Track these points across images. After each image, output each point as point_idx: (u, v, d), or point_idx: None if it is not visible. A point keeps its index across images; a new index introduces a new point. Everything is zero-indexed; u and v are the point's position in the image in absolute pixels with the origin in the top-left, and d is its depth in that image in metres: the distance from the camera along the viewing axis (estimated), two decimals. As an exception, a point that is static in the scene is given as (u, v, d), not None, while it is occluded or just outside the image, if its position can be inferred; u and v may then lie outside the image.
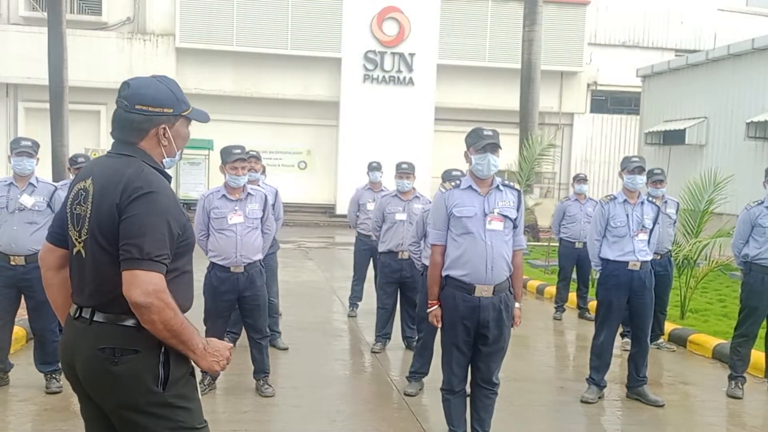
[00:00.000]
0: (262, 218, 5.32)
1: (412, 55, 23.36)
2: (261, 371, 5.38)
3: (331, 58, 23.08)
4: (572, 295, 9.06)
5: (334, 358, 6.84)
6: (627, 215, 5.28)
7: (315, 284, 10.63)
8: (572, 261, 8.72)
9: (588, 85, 25.43)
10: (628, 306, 5.38)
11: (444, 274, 4.10)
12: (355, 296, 8.57)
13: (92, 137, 21.79)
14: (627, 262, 5.26)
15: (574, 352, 7.71)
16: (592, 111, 25.83)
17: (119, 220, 2.21)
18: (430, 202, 6.88)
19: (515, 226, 4.12)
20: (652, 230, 5.36)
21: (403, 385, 5.67)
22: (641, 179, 5.31)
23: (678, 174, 12.93)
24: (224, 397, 5.26)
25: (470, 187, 4.14)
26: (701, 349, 7.03)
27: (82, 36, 21.44)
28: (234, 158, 5.13)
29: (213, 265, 5.26)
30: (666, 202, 6.94)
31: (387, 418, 5.01)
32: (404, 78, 23.48)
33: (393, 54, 23.36)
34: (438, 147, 22.60)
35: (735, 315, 8.29)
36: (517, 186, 4.29)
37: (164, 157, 2.41)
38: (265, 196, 5.38)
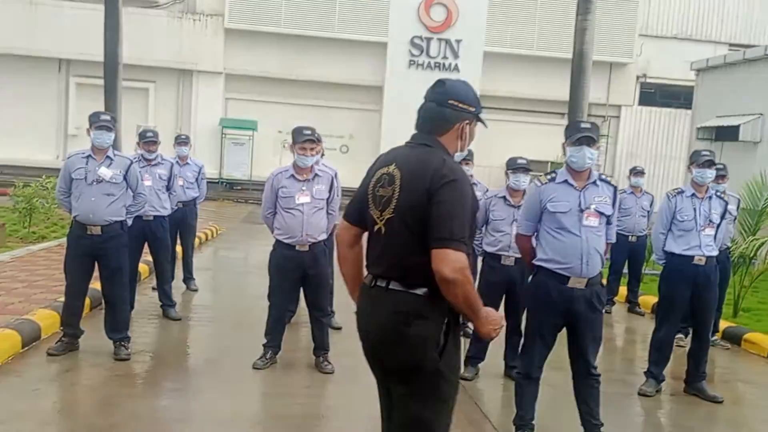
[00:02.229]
0: (328, 199, 5.40)
1: (458, 41, 23.26)
2: (321, 348, 5.49)
3: (377, 42, 23.10)
4: (622, 289, 9.01)
5: (387, 339, 6.93)
6: (695, 209, 5.24)
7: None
8: (624, 255, 8.65)
9: (637, 77, 25.06)
10: (691, 301, 5.34)
11: (536, 264, 4.15)
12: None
13: (141, 114, 22.14)
14: (692, 257, 5.22)
15: (624, 346, 7.68)
16: (640, 103, 25.45)
17: (429, 203, 2.45)
18: (487, 189, 6.92)
19: (609, 222, 4.15)
20: (719, 225, 5.32)
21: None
22: (711, 173, 5.26)
23: (730, 171, 12.71)
24: (284, 372, 5.37)
25: (566, 181, 4.13)
26: (757, 348, 6.95)
27: (134, 14, 21.73)
28: (303, 139, 5.21)
29: (279, 243, 5.36)
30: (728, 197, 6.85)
31: (446, 401, 5.07)
32: (450, 64, 23.39)
33: (439, 40, 23.29)
34: (482, 135, 22.42)
35: (790, 315, 8.24)
36: (613, 181, 4.29)
37: (456, 152, 2.65)
38: (332, 177, 5.45)
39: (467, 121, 2.65)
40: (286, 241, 5.30)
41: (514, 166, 5.49)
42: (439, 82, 2.67)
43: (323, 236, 5.42)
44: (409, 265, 2.52)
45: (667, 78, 25.29)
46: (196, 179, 8.12)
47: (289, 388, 5.04)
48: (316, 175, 5.35)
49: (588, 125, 4.17)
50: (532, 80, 23.55)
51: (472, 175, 6.92)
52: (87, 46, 19.94)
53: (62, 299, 6.28)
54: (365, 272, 2.74)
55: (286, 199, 5.27)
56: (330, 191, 5.41)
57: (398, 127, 23.59)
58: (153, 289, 7.77)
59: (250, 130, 23.02)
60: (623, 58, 24.17)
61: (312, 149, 5.26)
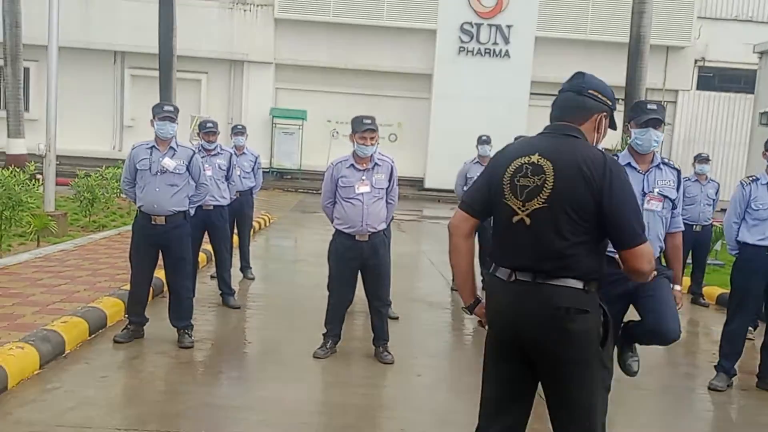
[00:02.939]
0: (387, 188, 5.36)
1: (509, 26, 22.93)
2: (381, 338, 5.47)
3: (426, 29, 22.94)
4: (686, 280, 8.76)
5: (445, 329, 6.90)
6: (771, 198, 5.04)
7: (412, 256, 10.69)
8: (689, 244, 8.36)
9: (695, 61, 24.33)
10: (765, 293, 5.15)
11: None
12: (459, 270, 8.55)
13: (194, 105, 22.47)
14: (767, 247, 5.02)
15: (688, 338, 7.45)
16: (698, 88, 24.72)
17: (598, 198, 2.47)
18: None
19: (674, 207, 4.02)
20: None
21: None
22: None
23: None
24: (344, 361, 5.37)
25: (629, 164, 4.04)
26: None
27: (186, 5, 21.98)
28: (364, 128, 5.18)
29: (338, 233, 5.35)
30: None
31: (510, 392, 5.01)
32: (500, 51, 23.10)
33: (489, 26, 22.99)
34: (533, 122, 22.13)
35: None
36: (677, 165, 4.15)
37: (593, 144, 2.65)
38: (391, 166, 5.40)
39: (604, 113, 2.66)
40: (346, 230, 5.28)
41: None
42: (578, 74, 2.70)
43: (383, 226, 5.39)
44: (563, 256, 2.50)
45: (726, 61, 24.47)
46: (253, 169, 8.18)
47: (351, 378, 5.04)
48: (376, 164, 5.31)
49: (654, 106, 4.02)
50: (585, 65, 22.48)
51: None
52: (141, 38, 20.35)
53: (126, 287, 6.41)
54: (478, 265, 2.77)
55: (346, 189, 5.25)
56: (390, 180, 5.37)
57: (447, 115, 23.62)
58: (212, 277, 7.88)
59: (300, 119, 23.14)
60: (681, 42, 23.51)
61: (372, 138, 5.22)
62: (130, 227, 10.43)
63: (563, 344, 2.50)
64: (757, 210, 5.06)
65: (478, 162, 8.41)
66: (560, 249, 2.50)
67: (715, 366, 5.36)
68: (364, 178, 5.25)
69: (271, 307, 7.08)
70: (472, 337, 6.65)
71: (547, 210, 2.51)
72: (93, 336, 5.47)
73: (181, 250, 5.44)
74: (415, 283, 8.78)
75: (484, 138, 8.45)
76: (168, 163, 5.29)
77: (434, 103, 23.04)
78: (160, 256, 5.51)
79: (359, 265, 5.33)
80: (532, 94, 22.98)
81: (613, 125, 2.70)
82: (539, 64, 22.80)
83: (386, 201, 5.39)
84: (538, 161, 2.57)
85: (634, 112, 4.04)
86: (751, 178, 5.20)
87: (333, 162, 5.45)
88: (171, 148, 5.35)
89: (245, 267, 8.30)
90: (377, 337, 5.49)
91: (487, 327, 2.74)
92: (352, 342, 5.80)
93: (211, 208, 6.65)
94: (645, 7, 15.73)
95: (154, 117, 5.32)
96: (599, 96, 2.64)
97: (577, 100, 2.64)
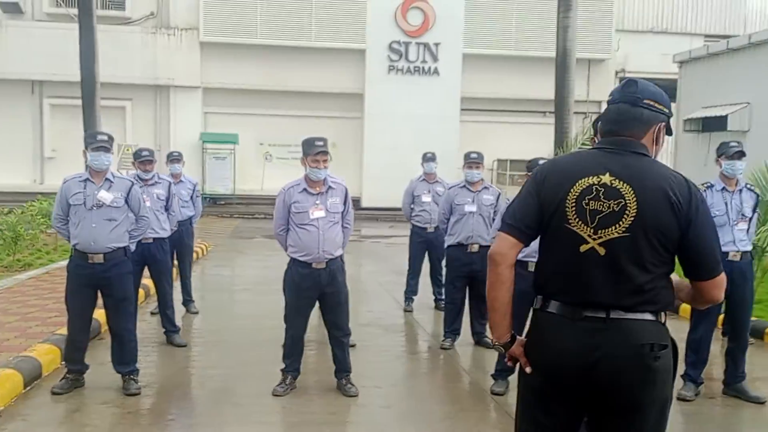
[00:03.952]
0: (342, 212, 5.12)
1: (437, 44, 23.10)
2: (343, 370, 5.20)
3: (355, 49, 22.86)
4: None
5: (404, 355, 6.67)
6: (726, 203, 5.06)
7: (358, 278, 10.43)
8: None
9: (616, 73, 25.05)
10: (727, 299, 5.14)
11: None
12: (411, 290, 8.37)
13: (119, 133, 21.52)
14: (727, 253, 5.01)
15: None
16: (620, 99, 25.46)
17: (684, 226, 2.28)
18: (500, 193, 6.69)
19: None
20: (751, 219, 5.13)
21: (485, 383, 5.47)
22: (741, 165, 5.08)
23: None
24: (306, 398, 5.07)
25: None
26: (783, 342, 6.79)
27: (106, 31, 21.23)
28: (316, 150, 4.94)
29: (294, 261, 5.07)
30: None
31: (485, 419, 4.83)
32: (429, 68, 23.22)
33: (418, 44, 23.10)
34: (465, 138, 22.32)
35: (805, 306, 8.09)
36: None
37: (654, 158, 2.42)
38: (346, 189, 5.17)
39: (663, 123, 2.43)
40: (301, 258, 5.01)
41: (535, 167, 5.23)
42: (631, 82, 2.44)
43: (340, 251, 5.14)
44: (645, 291, 2.27)
45: (645, 72, 25.22)
46: (191, 197, 7.81)
47: (316, 416, 4.74)
48: (330, 187, 5.07)
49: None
50: (512, 80, 23.43)
51: (483, 179, 6.73)
52: (60, 66, 19.50)
53: (61, 331, 5.96)
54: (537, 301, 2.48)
55: (299, 215, 4.98)
56: (345, 204, 5.13)
57: (381, 134, 23.57)
58: (152, 314, 7.44)
59: (231, 143, 22.62)
60: (602, 54, 24.17)
61: (324, 161, 4.99)
62: (58, 265, 9.92)
63: (647, 385, 2.27)
64: (714, 216, 5.05)
65: (424, 179, 8.29)
66: (643, 283, 2.27)
67: (681, 376, 5.31)
68: (318, 202, 5.00)
69: (219, 342, 6.69)
70: (433, 362, 6.45)
71: (627, 239, 2.27)
72: (28, 388, 4.99)
73: (123, 290, 5.04)
74: (365, 306, 8.52)
75: (429, 155, 8.34)
76: (104, 196, 4.90)
77: (367, 122, 22.93)
78: (99, 297, 5.09)
79: (317, 294, 5.06)
80: (462, 110, 23.18)
81: (669, 131, 2.46)
82: (468, 81, 23.03)
83: (342, 225, 5.15)
84: (612, 183, 2.30)
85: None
86: (706, 185, 5.21)
87: (284, 187, 5.18)
88: (107, 179, 4.96)
89: (188, 301, 7.88)
90: (339, 369, 5.21)
91: (528, 369, 2.43)
92: (309, 375, 5.50)
93: (151, 240, 6.25)
94: (569, 22, 16.03)
95: (86, 147, 4.93)
96: (656, 105, 2.40)
97: (634, 112, 2.39)
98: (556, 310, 2.37)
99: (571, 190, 2.34)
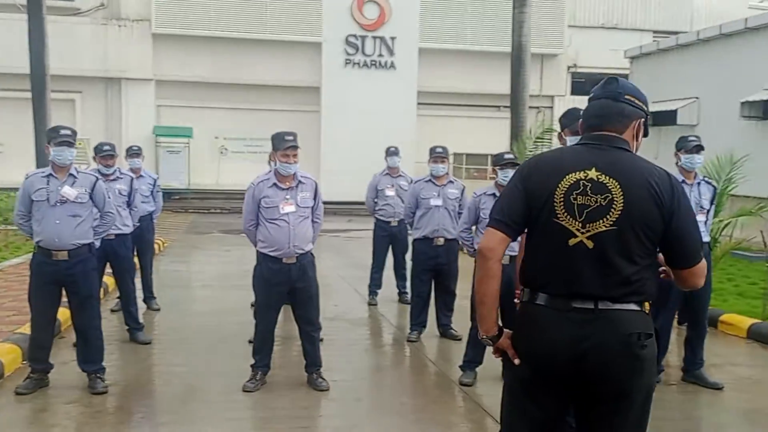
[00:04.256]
0: (313, 207, 5.12)
1: (393, 38, 23.13)
2: (314, 365, 5.20)
3: (311, 42, 22.73)
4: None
5: (371, 348, 6.71)
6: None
7: (320, 272, 10.29)
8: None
9: (568, 68, 25.52)
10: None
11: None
12: (375, 284, 8.41)
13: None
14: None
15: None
16: (572, 93, 25.92)
17: (668, 219, 2.35)
18: (464, 187, 6.77)
19: None
20: (709, 210, 5.31)
21: (453, 374, 5.55)
22: (699, 159, 5.25)
23: (669, 154, 13.03)
24: (278, 393, 5.05)
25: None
26: (734, 329, 7.04)
27: (55, 22, 20.61)
28: (287, 145, 4.91)
29: (264, 257, 5.04)
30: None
31: (456, 411, 4.90)
32: (386, 62, 23.25)
33: (374, 38, 23.10)
34: (421, 131, 22.44)
35: (752, 294, 8.41)
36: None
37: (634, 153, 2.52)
38: (316, 184, 5.17)
39: (642, 119, 2.51)
40: (272, 254, 4.99)
41: (501, 162, 5.32)
42: (612, 79, 2.52)
43: (310, 246, 5.14)
44: (632, 282, 2.34)
45: (595, 67, 25.81)
46: (152, 192, 7.69)
47: (288, 411, 4.74)
48: (300, 182, 5.05)
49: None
50: (467, 74, 23.65)
51: (447, 173, 6.80)
52: (6, 58, 18.87)
53: (21, 330, 5.84)
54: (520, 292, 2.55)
55: (270, 210, 4.96)
56: (315, 198, 5.13)
57: (338, 128, 23.50)
58: (111, 311, 7.31)
59: (186, 137, 22.28)
60: (554, 50, 24.58)
61: (295, 156, 4.96)
62: (10, 263, 9.65)
63: (635, 373, 2.34)
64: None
65: (387, 173, 8.32)
66: (630, 274, 2.34)
67: None
68: (288, 197, 4.98)
69: (184, 339, 6.61)
70: (400, 355, 6.50)
71: (615, 232, 2.34)
72: (-10, 390, 4.87)
73: (88, 288, 4.94)
74: (330, 300, 8.49)
75: (392, 149, 8.37)
76: (68, 192, 4.79)
77: (324, 116, 22.84)
78: (63, 295, 4.98)
79: (288, 289, 5.05)
80: (419, 104, 23.28)
81: (646, 132, 2.52)
82: (424, 74, 23.14)
83: (312, 220, 5.14)
84: (598, 178, 2.37)
85: (567, 119, 4.01)
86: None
87: (254, 182, 5.14)
88: (71, 175, 4.85)
89: (149, 297, 7.76)
90: (310, 364, 5.22)
91: (516, 361, 2.47)
92: (278, 371, 5.47)
93: (113, 237, 6.13)
94: (524, 17, 16.27)
95: (49, 142, 4.82)
96: (636, 101, 2.48)
97: (616, 107, 2.46)
98: (544, 303, 2.42)
99: (559, 185, 2.40)
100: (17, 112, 18.96)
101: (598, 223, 2.35)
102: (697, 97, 15.18)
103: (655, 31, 25.19)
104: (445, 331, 6.74)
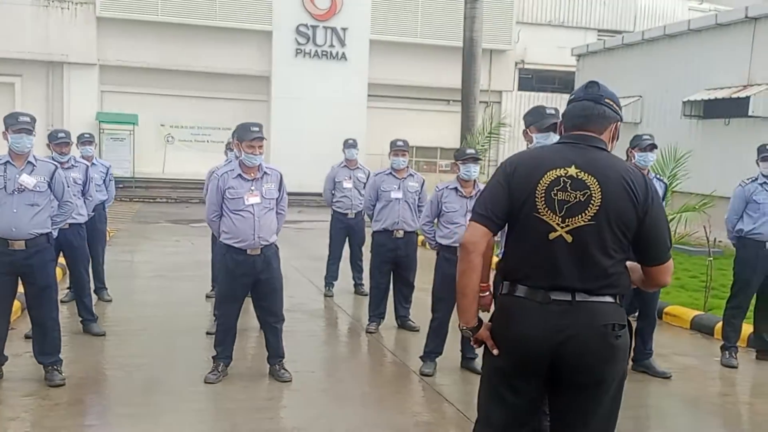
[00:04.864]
0: (277, 198, 5.11)
1: (344, 29, 23.06)
2: (277, 356, 5.21)
3: (261, 30, 22.47)
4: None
5: (330, 339, 6.75)
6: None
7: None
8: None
9: (516, 64, 25.91)
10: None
11: None
12: (331, 276, 8.43)
13: (6, 110, 20.26)
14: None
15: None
16: (519, 89, 26.38)
17: (642, 217, 2.47)
18: (424, 180, 6.86)
19: None
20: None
21: (412, 364, 5.64)
22: (652, 157, 5.45)
23: (616, 151, 13.43)
24: (240, 384, 5.04)
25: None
26: (678, 321, 7.34)
27: (-7, 2, 19.97)
28: (252, 137, 4.88)
29: (228, 248, 5.01)
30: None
31: (418, 401, 4.99)
32: (337, 53, 23.17)
33: (325, 28, 22.98)
34: (372, 123, 22.49)
35: (693, 287, 8.78)
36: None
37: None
38: (280, 175, 5.16)
39: (619, 122, 2.64)
40: (236, 245, 4.96)
41: (463, 157, 5.42)
42: (593, 83, 2.64)
43: (274, 238, 5.13)
44: (608, 275, 2.46)
45: (542, 63, 26.36)
46: (104, 180, 7.53)
47: (253, 402, 4.74)
48: (265, 173, 5.04)
49: (553, 110, 4.12)
50: (417, 68, 23.74)
51: (408, 166, 6.86)
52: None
53: (-29, 322, 5.63)
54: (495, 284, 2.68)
55: (234, 201, 4.93)
56: (279, 190, 5.13)
57: (288, 117, 23.28)
58: (61, 302, 7.12)
59: (131, 124, 21.77)
60: (503, 45, 24.88)
61: (260, 147, 4.94)
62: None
63: (609, 361, 2.46)
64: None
65: (345, 165, 8.33)
66: (606, 267, 2.45)
67: None
68: (253, 188, 4.97)
69: (139, 331, 6.51)
70: (360, 345, 6.56)
71: (593, 227, 2.44)
72: (-60, 383, 4.72)
73: (46, 278, 4.82)
74: (286, 292, 8.39)
75: (350, 141, 8.39)
76: (26, 180, 4.67)
77: (273, 106, 22.63)
78: (20, 286, 4.86)
79: (252, 280, 5.04)
80: (369, 95, 23.29)
81: (618, 135, 2.65)
82: (375, 66, 23.15)
83: (276, 212, 5.14)
84: (578, 175, 2.47)
85: (532, 116, 4.10)
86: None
87: (216, 172, 5.12)
88: (29, 163, 4.72)
89: (100, 288, 7.59)
90: (273, 355, 5.22)
91: (495, 351, 2.56)
92: (239, 362, 5.45)
93: (67, 226, 5.97)
94: (476, 12, 16.46)
95: (7, 129, 4.68)
96: (614, 105, 2.61)
97: (597, 109, 2.57)
98: (523, 294, 2.52)
99: (540, 182, 2.50)
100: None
101: (577, 218, 2.46)
102: (640, 96, 15.67)
103: (600, 30, 25.85)
104: (403, 322, 6.83)
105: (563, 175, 2.49)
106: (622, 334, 2.48)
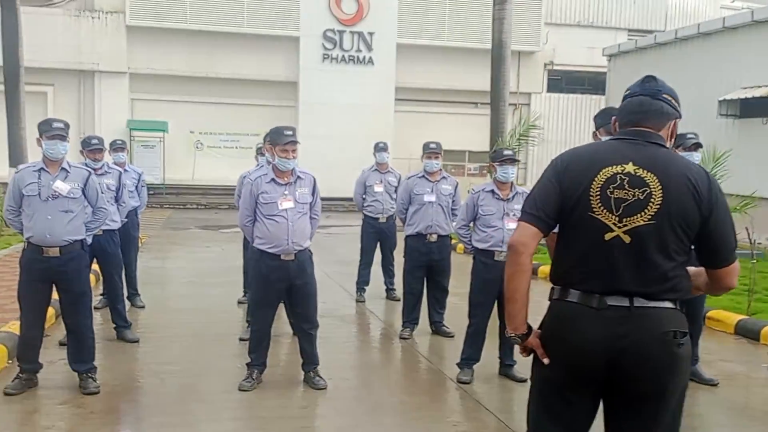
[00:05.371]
0: (311, 203, 5.04)
1: (371, 34, 23.04)
2: (311, 363, 5.12)
3: (289, 36, 22.54)
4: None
5: (364, 345, 6.66)
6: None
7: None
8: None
9: (545, 65, 25.65)
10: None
11: None
12: (363, 281, 8.34)
13: (39, 119, 20.55)
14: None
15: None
16: (548, 90, 26.09)
17: (705, 214, 2.33)
18: (457, 183, 6.74)
19: None
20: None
21: (448, 371, 5.52)
22: (698, 156, 5.29)
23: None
24: (275, 392, 4.97)
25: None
26: (722, 325, 7.11)
27: (26, 13, 20.07)
28: (286, 140, 4.82)
29: (261, 253, 4.94)
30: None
31: (456, 410, 4.87)
32: (364, 57, 23.16)
33: (352, 33, 22.99)
34: (399, 127, 22.41)
35: (734, 290, 8.49)
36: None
37: None
38: (314, 180, 5.08)
39: (677, 119, 2.49)
40: (270, 250, 4.89)
41: (500, 158, 5.29)
42: (650, 77, 2.51)
43: (308, 243, 5.06)
44: (668, 278, 2.32)
45: (572, 64, 26.03)
46: (136, 187, 7.54)
47: (287, 410, 4.66)
48: (299, 177, 4.97)
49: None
50: (444, 71, 23.62)
51: (441, 169, 6.75)
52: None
53: (7, 329, 5.69)
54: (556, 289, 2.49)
55: (268, 206, 4.86)
56: (313, 194, 5.05)
57: (315, 123, 23.34)
58: (95, 308, 7.14)
59: (161, 131, 21.97)
60: (531, 47, 24.66)
61: (294, 151, 4.87)
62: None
63: (671, 372, 2.31)
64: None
65: (376, 169, 8.25)
66: (666, 270, 2.31)
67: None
68: (286, 193, 4.89)
69: (172, 337, 6.48)
70: (394, 352, 6.45)
71: (652, 227, 2.30)
72: (-24, 390, 4.71)
73: (80, 285, 4.80)
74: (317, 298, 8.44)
75: (381, 145, 8.31)
76: (60, 186, 4.65)
77: (301, 111, 22.66)
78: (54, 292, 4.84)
79: (286, 286, 4.96)
80: (397, 100, 23.23)
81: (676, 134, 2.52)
82: (402, 70, 23.09)
83: (310, 216, 5.06)
84: (636, 172, 2.33)
85: (602, 118, 3.91)
86: None
87: (250, 177, 5.05)
88: (63, 169, 4.71)
89: (133, 294, 7.60)
90: (307, 362, 5.14)
91: (546, 360, 2.42)
92: (273, 369, 5.37)
93: (101, 233, 5.97)
94: (504, 14, 16.29)
95: (41, 135, 4.68)
96: (673, 101, 2.48)
97: (655, 105, 2.44)
98: (577, 300, 2.38)
99: (595, 179, 2.36)
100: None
101: (635, 217, 2.32)
102: (674, 96, 15.33)
103: (630, 30, 25.46)
104: (437, 328, 6.71)
105: (620, 172, 2.35)
106: (684, 342, 2.33)
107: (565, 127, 26.16)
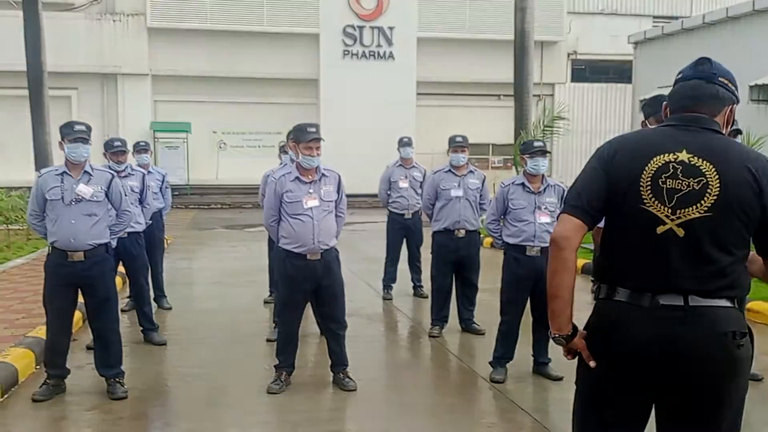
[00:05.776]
0: (336, 201, 4.93)
1: (391, 28, 22.91)
2: (340, 364, 5.02)
3: (308, 33, 22.50)
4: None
5: (393, 344, 6.55)
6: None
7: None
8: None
9: (568, 55, 25.32)
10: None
11: None
12: (389, 278, 8.22)
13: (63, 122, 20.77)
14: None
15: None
16: (572, 80, 25.75)
17: (765, 205, 2.16)
18: (485, 177, 6.59)
19: None
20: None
21: (480, 370, 5.38)
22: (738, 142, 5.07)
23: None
24: (304, 394, 4.87)
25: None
26: (762, 317, 6.90)
27: (49, 18, 20.22)
28: (310, 138, 4.71)
29: (287, 253, 4.84)
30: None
31: (490, 410, 4.73)
32: (384, 52, 23.04)
33: (372, 28, 22.88)
34: (421, 122, 22.25)
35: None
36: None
37: None
38: (339, 177, 4.97)
39: (734, 105, 2.30)
40: (296, 250, 4.79)
41: (530, 150, 5.13)
42: (704, 59, 2.31)
43: (334, 241, 4.95)
44: (726, 274, 2.15)
45: (595, 54, 25.66)
46: (160, 188, 7.48)
47: (317, 413, 4.57)
48: (323, 175, 4.86)
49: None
50: (467, 63, 23.42)
51: (468, 163, 6.61)
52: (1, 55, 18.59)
53: (33, 334, 5.66)
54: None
55: (292, 205, 4.76)
56: (338, 192, 4.94)
57: (337, 120, 23.29)
58: (122, 311, 7.10)
59: (184, 132, 22.06)
60: (554, 37, 24.35)
61: (318, 148, 4.77)
62: (14, 263, 9.44)
63: (731, 376, 2.15)
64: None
65: (400, 165, 8.12)
66: (724, 266, 2.15)
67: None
68: (311, 191, 4.79)
69: (200, 339, 6.42)
70: (424, 351, 6.33)
71: (709, 220, 2.13)
72: (5, 397, 4.67)
73: (106, 290, 4.74)
74: (343, 296, 8.34)
75: (405, 140, 8.18)
76: (84, 190, 4.59)
77: (323, 108, 22.60)
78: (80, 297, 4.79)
79: (313, 286, 4.86)
80: (418, 94, 23.07)
81: (734, 120, 2.35)
82: (423, 64, 22.93)
83: (336, 214, 4.95)
84: (690, 160, 2.16)
85: (652, 107, 3.77)
86: None
87: (274, 175, 4.96)
88: (86, 172, 4.65)
89: (160, 296, 7.56)
90: (336, 363, 5.03)
91: (592, 363, 2.27)
92: (302, 371, 5.28)
93: (126, 235, 5.91)
94: (527, 3, 16.05)
95: (63, 139, 4.61)
96: (729, 85, 2.28)
97: (710, 89, 2.25)
98: (626, 299, 2.22)
99: (646, 168, 2.20)
100: (13, 110, 18.73)
101: (690, 209, 2.15)
102: (703, 82, 15.00)
103: (655, 16, 25.01)
104: (467, 325, 6.57)
105: (673, 160, 2.18)
106: (744, 344, 2.16)
107: (590, 117, 25.80)
